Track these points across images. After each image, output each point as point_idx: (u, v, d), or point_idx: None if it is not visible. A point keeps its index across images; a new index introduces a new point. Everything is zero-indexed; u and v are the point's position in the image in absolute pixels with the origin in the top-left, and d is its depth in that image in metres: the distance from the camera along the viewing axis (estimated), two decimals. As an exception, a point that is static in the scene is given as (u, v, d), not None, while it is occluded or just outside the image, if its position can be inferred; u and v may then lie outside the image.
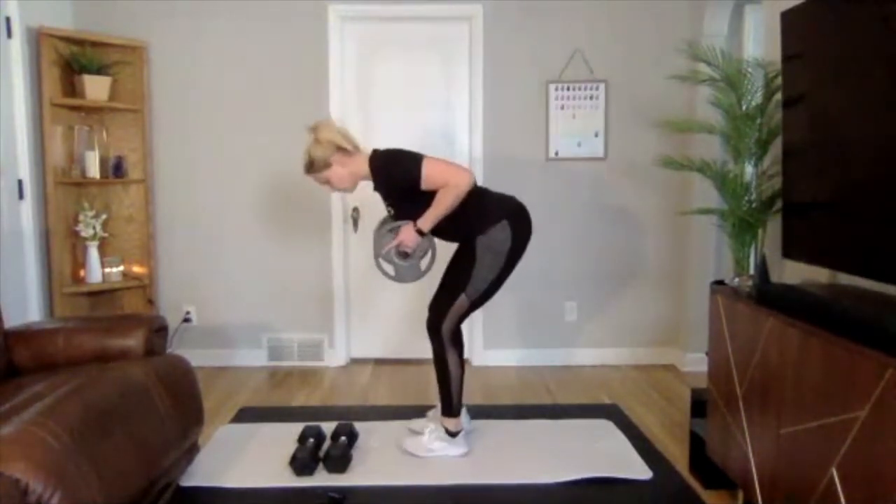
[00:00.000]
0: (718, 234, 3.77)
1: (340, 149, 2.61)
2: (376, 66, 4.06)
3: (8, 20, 3.31)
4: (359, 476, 2.55)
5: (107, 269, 3.79)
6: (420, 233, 2.59)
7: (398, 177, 2.57)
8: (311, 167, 2.65)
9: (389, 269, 2.75)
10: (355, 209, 4.04)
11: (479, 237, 2.60)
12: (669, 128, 3.73)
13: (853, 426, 1.56)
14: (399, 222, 2.67)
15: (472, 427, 2.92)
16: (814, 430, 1.73)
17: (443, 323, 2.68)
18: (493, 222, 2.59)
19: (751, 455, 2.09)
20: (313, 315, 4.13)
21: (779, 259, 2.40)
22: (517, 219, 2.65)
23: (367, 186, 2.76)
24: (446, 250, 2.78)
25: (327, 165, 2.63)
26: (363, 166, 2.63)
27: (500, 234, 2.60)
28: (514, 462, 2.67)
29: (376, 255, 2.74)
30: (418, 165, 2.52)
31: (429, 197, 2.56)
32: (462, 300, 2.66)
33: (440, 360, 2.72)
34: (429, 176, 2.51)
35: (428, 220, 2.57)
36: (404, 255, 2.69)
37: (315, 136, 2.62)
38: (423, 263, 2.76)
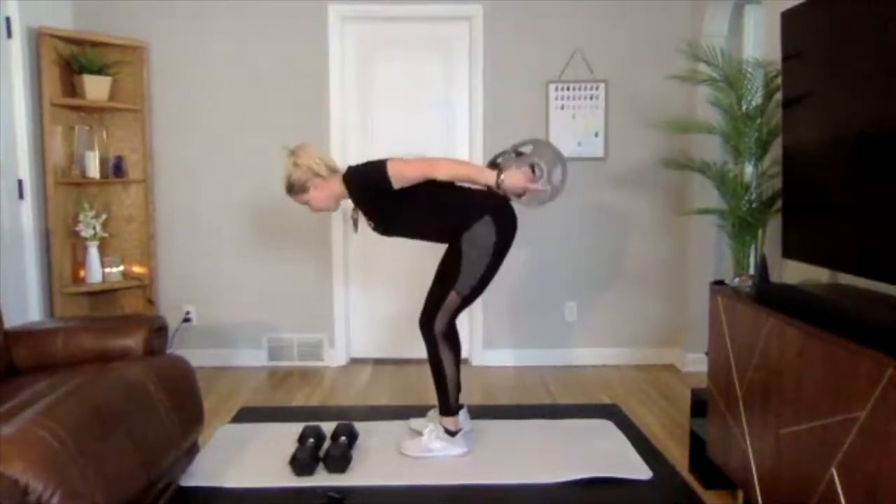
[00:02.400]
0: (718, 234, 3.77)
1: (318, 175, 2.65)
2: (376, 66, 4.06)
3: (8, 20, 3.31)
4: (359, 476, 2.55)
5: (107, 269, 3.79)
6: (499, 173, 2.55)
7: (371, 182, 2.60)
8: (292, 190, 2.70)
9: (536, 199, 2.70)
10: (355, 209, 4.02)
11: (464, 234, 2.62)
12: (669, 128, 3.73)
13: (853, 426, 1.56)
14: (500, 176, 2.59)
15: (472, 427, 2.92)
16: (814, 430, 1.73)
17: (435, 321, 2.69)
18: (476, 218, 2.61)
19: (751, 455, 2.09)
20: (313, 315, 4.13)
21: (779, 259, 2.40)
22: (500, 214, 2.66)
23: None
24: (439, 250, 2.78)
25: (305, 189, 2.67)
26: (340, 186, 2.67)
27: (483, 230, 2.61)
28: (513, 462, 2.67)
29: (531, 204, 2.70)
30: (384, 165, 2.55)
31: (406, 201, 2.59)
32: (452, 297, 2.67)
33: (434, 359, 2.73)
34: (396, 173, 2.54)
35: (482, 176, 2.57)
36: (530, 192, 2.63)
37: (294, 159, 2.66)
38: (555, 176, 2.68)
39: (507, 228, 2.67)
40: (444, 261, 2.75)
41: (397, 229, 2.77)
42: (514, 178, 2.58)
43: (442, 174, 2.56)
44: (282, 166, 2.69)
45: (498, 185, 2.57)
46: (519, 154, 2.71)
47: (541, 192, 2.67)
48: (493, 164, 2.75)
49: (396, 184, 2.55)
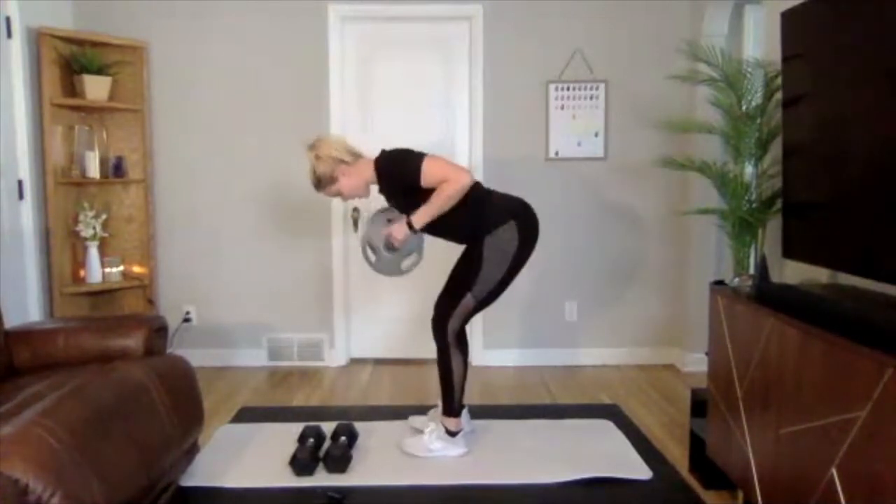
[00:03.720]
0: (718, 234, 3.77)
1: (342, 161, 2.63)
2: (376, 66, 4.06)
3: (8, 20, 3.31)
4: (359, 476, 2.55)
5: (107, 269, 3.79)
6: (411, 227, 2.59)
7: (400, 174, 2.58)
8: (320, 184, 2.68)
9: (372, 256, 2.78)
10: (355, 209, 4.04)
11: (487, 237, 2.60)
12: (669, 128, 3.73)
13: (853, 426, 1.56)
14: (398, 213, 2.68)
15: (473, 427, 2.92)
16: (814, 430, 1.73)
17: (448, 322, 2.69)
18: (500, 223, 2.60)
19: (751, 455, 2.09)
20: (313, 315, 4.13)
21: (779, 259, 2.40)
22: (524, 219, 2.65)
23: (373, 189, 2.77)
24: (453, 251, 2.78)
25: (334, 179, 2.65)
26: (370, 171, 2.64)
27: (506, 234, 2.60)
28: (514, 462, 2.67)
29: (362, 240, 2.77)
30: (419, 161, 2.54)
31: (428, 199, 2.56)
32: (468, 300, 2.66)
33: (444, 360, 2.72)
34: (428, 171, 2.52)
35: (421, 216, 2.57)
36: (391, 248, 2.71)
37: (315, 153, 2.64)
38: (406, 263, 2.76)
39: (530, 234, 2.65)
40: (460, 263, 2.74)
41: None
42: (398, 230, 2.61)
43: (443, 191, 2.52)
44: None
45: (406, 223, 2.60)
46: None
47: (388, 257, 2.75)
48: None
49: (425, 182, 2.53)
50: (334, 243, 4.08)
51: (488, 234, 2.60)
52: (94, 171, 3.72)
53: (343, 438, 2.71)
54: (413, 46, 4.05)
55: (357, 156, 2.67)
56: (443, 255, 2.78)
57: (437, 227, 2.69)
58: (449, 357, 2.71)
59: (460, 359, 2.73)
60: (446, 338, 2.70)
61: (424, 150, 2.62)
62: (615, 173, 4.05)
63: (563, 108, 4.01)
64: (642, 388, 3.70)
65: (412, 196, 2.59)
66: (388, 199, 2.72)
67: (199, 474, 2.53)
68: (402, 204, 2.68)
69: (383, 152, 2.66)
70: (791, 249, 2.22)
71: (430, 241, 2.82)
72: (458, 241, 2.74)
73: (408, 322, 4.11)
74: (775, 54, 2.37)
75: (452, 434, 2.73)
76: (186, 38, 3.96)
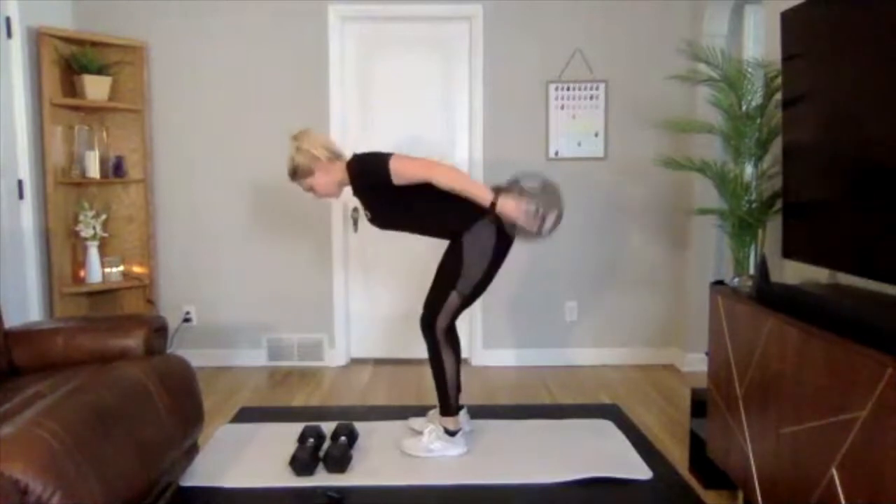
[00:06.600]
0: (718, 234, 3.77)
1: (319, 159, 2.65)
2: (376, 66, 4.06)
3: (8, 20, 3.31)
4: (359, 476, 2.55)
5: (107, 269, 3.79)
6: (493, 206, 2.52)
7: (370, 174, 2.60)
8: (295, 174, 2.70)
9: (522, 234, 2.66)
10: (355, 209, 4.04)
11: (465, 234, 2.62)
12: (669, 128, 3.73)
13: (853, 426, 1.56)
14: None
15: (472, 427, 2.92)
16: (814, 430, 1.73)
17: (436, 320, 2.70)
18: (477, 219, 2.61)
19: (751, 455, 2.09)
20: (313, 315, 4.13)
21: (779, 259, 2.40)
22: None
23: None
24: (439, 250, 2.78)
25: (310, 173, 2.67)
26: (343, 173, 2.66)
27: (484, 231, 2.61)
28: (514, 462, 2.67)
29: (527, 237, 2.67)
30: (387, 160, 2.55)
31: (406, 197, 2.58)
32: (453, 297, 2.67)
33: (435, 359, 2.73)
34: (397, 169, 2.53)
35: (480, 194, 2.52)
36: (531, 227, 2.59)
37: (297, 144, 2.66)
38: (546, 223, 2.64)
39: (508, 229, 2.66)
40: (444, 261, 2.75)
41: (394, 223, 2.78)
42: (508, 208, 2.53)
43: (439, 181, 2.53)
44: (284, 157, 2.69)
45: (491, 207, 2.53)
46: (523, 190, 2.62)
47: (528, 232, 2.63)
48: (497, 189, 2.71)
49: (396, 180, 2.54)
50: (334, 243, 4.07)
51: (467, 230, 2.62)
52: (94, 171, 3.72)
53: (343, 438, 2.71)
54: (413, 46, 4.05)
55: (336, 156, 2.69)
56: (437, 254, 2.78)
57: (413, 226, 2.74)
58: (440, 355, 2.72)
59: (451, 357, 2.74)
60: (435, 336, 2.71)
61: (419, 152, 2.64)
62: (615, 173, 4.05)
63: (563, 108, 4.01)
64: (642, 388, 3.70)
65: (386, 196, 2.62)
66: (362, 201, 2.74)
67: (199, 474, 2.54)
68: (377, 204, 2.70)
69: (355, 156, 2.68)
70: (791, 249, 2.22)
71: (424, 240, 2.84)
72: (440, 236, 2.75)
73: (408, 322, 4.10)
74: (775, 54, 2.37)
75: (451, 433, 2.73)
76: (186, 37, 3.96)
